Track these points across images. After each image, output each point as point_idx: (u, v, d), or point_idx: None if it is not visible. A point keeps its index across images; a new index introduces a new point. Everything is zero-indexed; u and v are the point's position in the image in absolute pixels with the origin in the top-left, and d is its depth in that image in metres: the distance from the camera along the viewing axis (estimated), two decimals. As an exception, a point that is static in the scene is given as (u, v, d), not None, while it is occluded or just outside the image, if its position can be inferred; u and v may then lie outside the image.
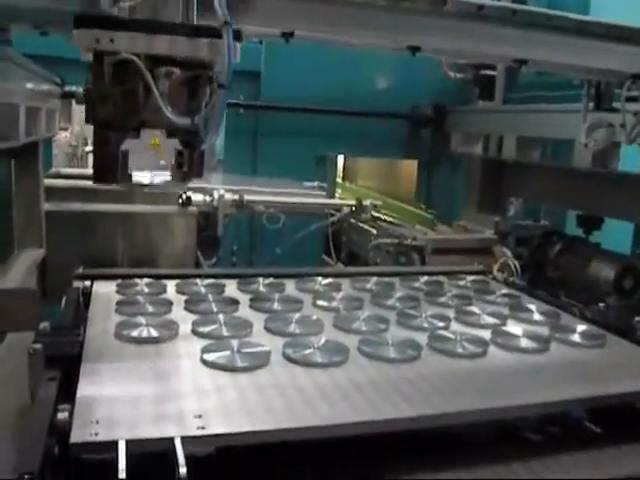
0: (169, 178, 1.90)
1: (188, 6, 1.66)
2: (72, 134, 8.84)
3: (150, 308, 2.35)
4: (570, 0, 4.94)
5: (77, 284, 2.57)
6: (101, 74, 1.60)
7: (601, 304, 3.00)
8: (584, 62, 2.56)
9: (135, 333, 2.06)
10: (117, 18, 1.59)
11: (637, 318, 2.54)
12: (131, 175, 1.72)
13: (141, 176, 1.88)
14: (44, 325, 1.93)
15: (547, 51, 2.45)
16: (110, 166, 1.65)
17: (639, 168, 3.68)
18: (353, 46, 2.32)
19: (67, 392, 1.64)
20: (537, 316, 2.61)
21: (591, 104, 2.95)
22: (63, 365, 1.76)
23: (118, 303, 2.39)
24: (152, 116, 1.65)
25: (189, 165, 1.79)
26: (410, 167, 6.08)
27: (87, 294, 2.52)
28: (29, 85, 3.27)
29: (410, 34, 2.23)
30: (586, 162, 3.59)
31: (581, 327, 2.45)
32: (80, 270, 2.73)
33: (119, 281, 2.67)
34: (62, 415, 1.49)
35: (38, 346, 1.76)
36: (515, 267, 3.89)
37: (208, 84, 1.71)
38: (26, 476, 1.25)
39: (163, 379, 1.77)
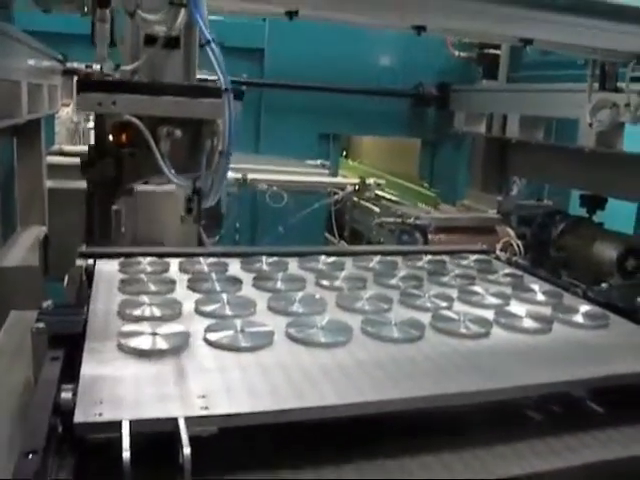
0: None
1: (190, 66, 1.67)
2: (74, 110, 8.78)
3: (153, 287, 2.35)
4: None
5: (80, 262, 2.56)
6: (102, 135, 1.61)
7: (604, 284, 2.99)
8: (589, 42, 2.56)
9: (138, 312, 2.06)
10: (119, 81, 1.60)
11: (639, 299, 2.54)
12: (124, 233, 1.72)
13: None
14: (47, 303, 1.93)
15: (552, 30, 2.45)
16: (104, 227, 1.64)
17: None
18: (358, 25, 2.30)
19: (70, 371, 1.64)
20: (540, 296, 2.60)
21: (595, 84, 2.92)
22: (66, 344, 1.76)
23: (121, 281, 2.39)
24: (154, 175, 1.68)
25: (197, 209, 1.86)
26: (414, 145, 6.05)
27: (90, 272, 2.51)
28: (31, 62, 3.25)
29: (416, 13, 2.23)
30: (590, 142, 3.57)
31: (584, 307, 2.44)
32: (83, 248, 2.72)
33: (122, 259, 2.66)
34: (66, 395, 1.49)
35: (41, 325, 1.76)
36: (518, 246, 3.89)
37: (209, 140, 1.74)
38: (30, 454, 1.26)
39: (167, 358, 1.77)
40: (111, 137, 1.63)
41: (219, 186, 1.69)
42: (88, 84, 1.57)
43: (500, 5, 2.34)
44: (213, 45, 1.58)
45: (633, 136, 3.64)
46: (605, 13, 2.49)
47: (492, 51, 5.14)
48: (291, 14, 2.14)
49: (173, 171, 1.64)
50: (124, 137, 1.63)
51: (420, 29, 2.29)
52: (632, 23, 2.54)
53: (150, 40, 1.56)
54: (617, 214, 4.25)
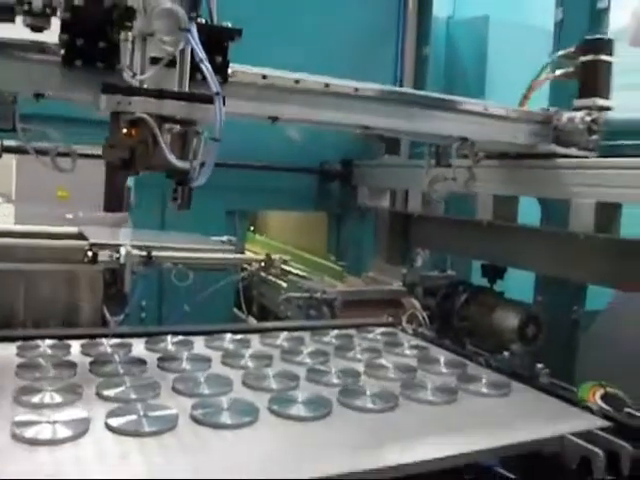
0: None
1: (182, 79, 2.14)
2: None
3: (52, 371, 2.26)
4: (470, 84, 5.34)
5: (-26, 347, 2.46)
6: (117, 128, 2.10)
7: (506, 352, 3.08)
8: (417, 128, 3.04)
9: (36, 399, 1.98)
10: (134, 87, 2.05)
11: (539, 365, 2.64)
12: (131, 205, 2.25)
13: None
14: None
15: (385, 118, 2.92)
16: (118, 199, 2.02)
17: (536, 221, 3.86)
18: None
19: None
20: (444, 367, 2.66)
21: (433, 161, 3.40)
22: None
23: (18, 366, 2.30)
24: (158, 161, 2.12)
25: (182, 198, 2.29)
26: (321, 219, 6.13)
27: (-15, 358, 2.41)
28: None
29: (271, 105, 2.68)
30: (488, 215, 3.73)
31: (487, 376, 2.52)
32: (-23, 333, 2.62)
33: (20, 343, 2.57)
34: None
35: None
36: (423, 318, 3.94)
37: (197, 137, 2.23)
38: None
39: (65, 447, 1.70)
40: (125, 130, 2.09)
41: (210, 167, 2.18)
42: (111, 87, 2.03)
43: (341, 99, 2.81)
44: (206, 62, 2.07)
45: (527, 210, 3.83)
46: (426, 104, 3.02)
47: (394, 128, 5.32)
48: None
49: (174, 156, 2.12)
50: (134, 131, 2.09)
51: (274, 119, 2.72)
52: (450, 112, 3.06)
53: (154, 60, 2.05)
54: (517, 283, 4.40)
